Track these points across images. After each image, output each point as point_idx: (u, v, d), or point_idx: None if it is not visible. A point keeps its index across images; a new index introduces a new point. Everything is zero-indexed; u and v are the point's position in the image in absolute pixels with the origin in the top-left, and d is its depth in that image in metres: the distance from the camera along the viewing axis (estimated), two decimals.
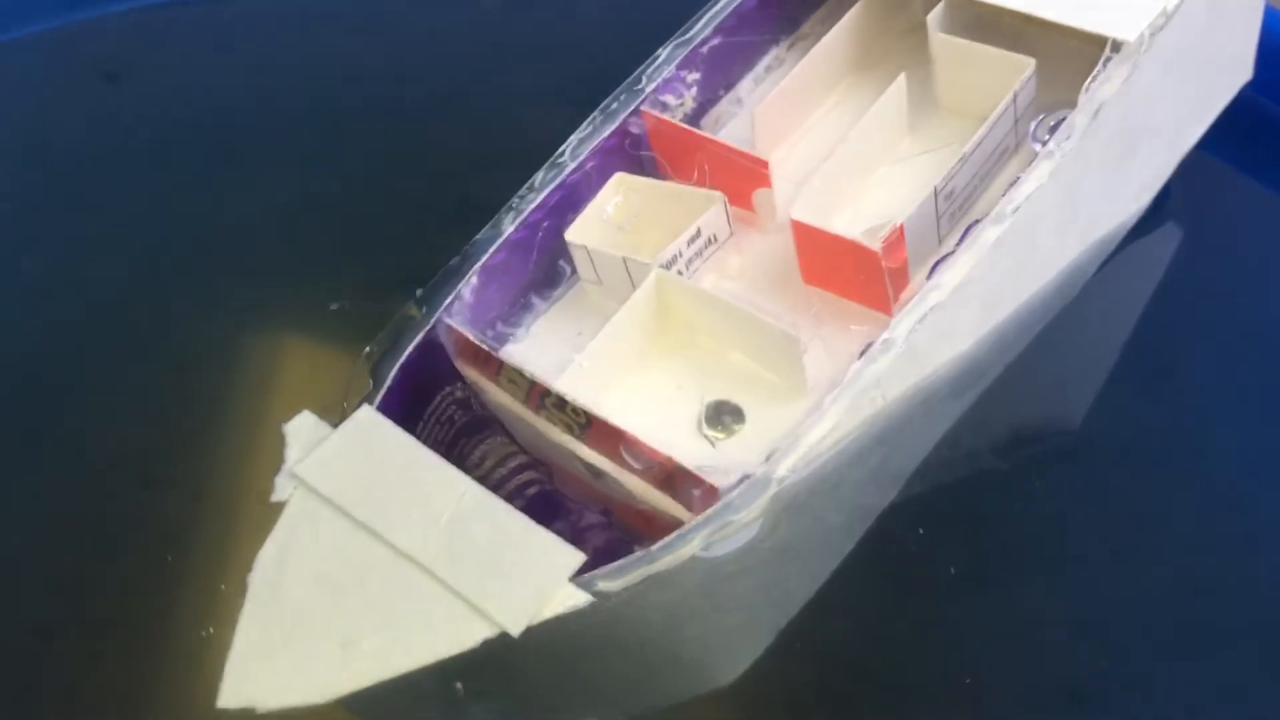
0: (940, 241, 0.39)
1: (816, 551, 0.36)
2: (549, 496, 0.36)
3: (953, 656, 0.38)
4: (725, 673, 0.36)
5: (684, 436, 0.36)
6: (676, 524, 0.33)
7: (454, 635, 0.30)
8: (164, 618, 0.39)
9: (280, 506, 0.33)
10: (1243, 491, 0.42)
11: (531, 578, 0.31)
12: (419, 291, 0.39)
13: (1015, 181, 0.36)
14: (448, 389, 0.37)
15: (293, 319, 0.47)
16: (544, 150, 0.41)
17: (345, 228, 0.50)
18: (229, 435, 0.43)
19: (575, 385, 0.36)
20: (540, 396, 0.36)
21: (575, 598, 0.30)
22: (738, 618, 0.34)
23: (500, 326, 0.40)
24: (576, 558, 0.31)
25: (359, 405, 0.35)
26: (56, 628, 0.41)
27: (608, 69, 0.43)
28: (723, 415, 0.37)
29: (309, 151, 0.54)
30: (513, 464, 0.37)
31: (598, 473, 0.36)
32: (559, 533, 0.32)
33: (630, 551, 0.34)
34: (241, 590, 0.32)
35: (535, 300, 0.41)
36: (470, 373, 0.38)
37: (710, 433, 0.36)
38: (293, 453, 0.34)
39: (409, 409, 0.36)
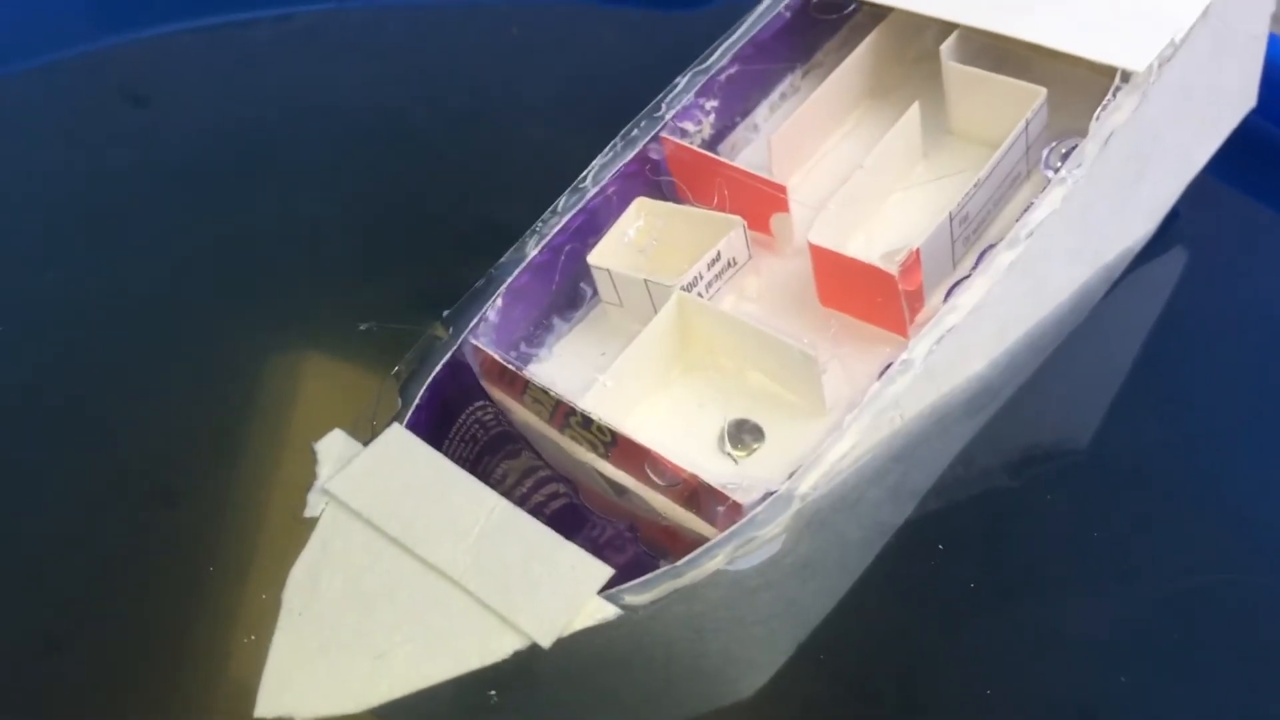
0: (955, 265, 0.39)
1: (835, 567, 0.37)
2: (573, 510, 0.37)
3: (967, 671, 0.39)
4: (745, 685, 0.37)
5: (706, 454, 0.37)
6: (700, 540, 0.34)
7: (484, 647, 0.31)
8: (192, 625, 0.40)
9: (313, 522, 0.34)
10: (1252, 512, 0.42)
11: (561, 591, 0.31)
12: (445, 313, 0.40)
13: (1029, 207, 0.37)
14: (472, 407, 0.38)
15: (318, 336, 0.48)
16: (561, 172, 0.42)
17: (368, 247, 0.51)
18: (253, 450, 0.44)
19: (600, 404, 0.37)
20: (565, 415, 0.37)
21: (604, 610, 0.31)
22: (759, 631, 0.35)
23: (524, 347, 0.41)
24: (605, 571, 0.32)
25: (389, 424, 0.36)
26: (71, 638, 0.42)
27: (626, 92, 0.44)
28: (743, 433, 0.38)
29: (332, 172, 0.55)
30: (536, 478, 0.38)
31: (621, 490, 0.37)
32: (583, 546, 0.33)
33: (654, 565, 0.35)
34: (276, 604, 0.32)
35: (557, 321, 0.42)
36: (496, 392, 0.39)
37: (732, 451, 0.37)
38: (324, 470, 0.35)
39: (436, 427, 0.37)
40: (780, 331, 0.38)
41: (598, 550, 0.34)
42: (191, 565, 0.41)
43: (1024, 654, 0.40)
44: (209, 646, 0.40)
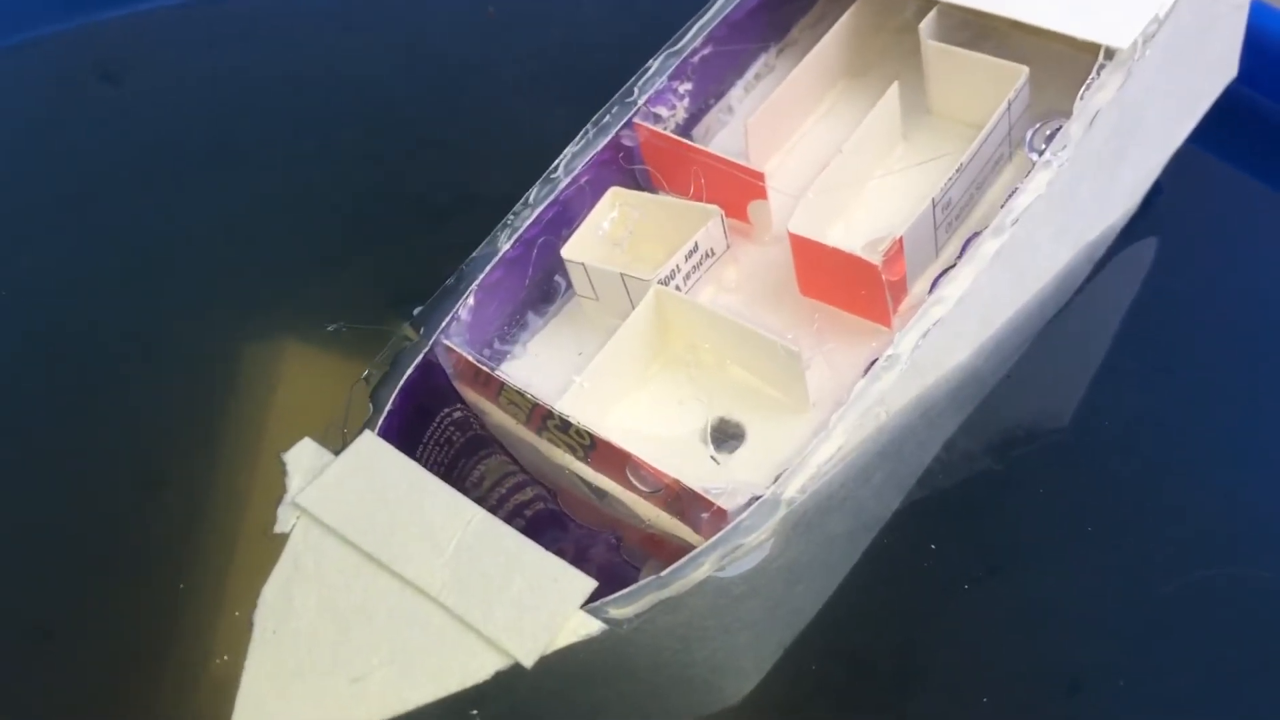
0: (938, 252, 0.38)
1: (822, 568, 0.36)
2: (552, 517, 0.36)
3: (959, 660, 0.38)
4: (732, 692, 0.36)
5: (688, 455, 0.36)
6: (685, 546, 0.33)
7: (465, 667, 0.30)
8: (166, 647, 0.39)
9: (283, 539, 0.33)
10: (1237, 483, 0.42)
11: (543, 606, 0.30)
12: (416, 311, 0.39)
13: (1013, 192, 0.36)
14: (446, 411, 0.37)
15: (297, 319, 0.46)
16: (542, 146, 0.41)
17: (347, 225, 0.50)
18: (229, 441, 0.43)
19: (577, 406, 0.36)
20: (542, 418, 0.36)
21: (588, 626, 0.30)
22: (746, 637, 0.34)
23: (498, 344, 0.40)
24: (587, 584, 0.31)
25: (360, 431, 0.35)
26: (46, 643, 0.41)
27: (606, 65, 0.43)
28: (725, 432, 0.37)
29: (307, 149, 0.53)
30: (512, 483, 0.37)
31: (602, 494, 0.36)
32: (562, 552, 0.32)
33: (633, 568, 0.34)
34: (248, 624, 0.31)
35: (532, 317, 0.41)
36: (470, 394, 0.38)
37: (714, 452, 0.36)
38: (294, 482, 0.34)
39: (410, 432, 0.36)
40: (761, 326, 0.37)
41: (578, 559, 0.33)
42: (165, 565, 0.41)
43: (1014, 629, 0.39)
44: (180, 670, 0.39)
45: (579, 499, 0.37)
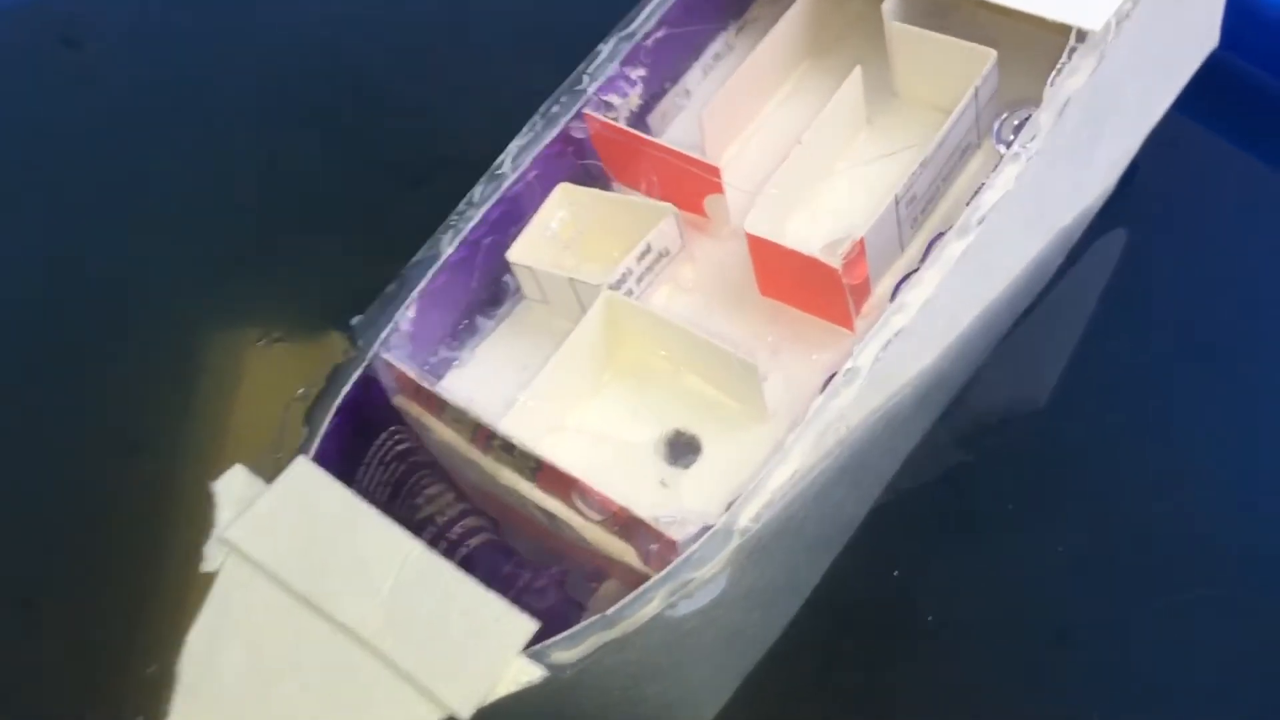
0: (903, 248, 0.36)
1: (783, 591, 0.35)
2: (494, 547, 0.34)
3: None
4: None
5: (642, 473, 0.34)
6: (637, 573, 0.31)
7: None
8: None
9: (211, 577, 0.31)
10: (1216, 443, 0.41)
11: (482, 651, 0.29)
12: (354, 320, 0.37)
13: (980, 188, 0.34)
14: (387, 433, 0.35)
15: (263, 293, 0.44)
16: (517, 107, 0.39)
17: (316, 192, 0.48)
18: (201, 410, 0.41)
19: (522, 424, 0.34)
20: (486, 438, 0.34)
21: (528, 672, 0.29)
22: (701, 670, 0.33)
23: (444, 351, 0.38)
24: (529, 626, 0.29)
25: (294, 457, 0.33)
26: None
27: (581, 22, 0.41)
28: (681, 445, 0.35)
29: (273, 112, 0.51)
30: (454, 512, 0.35)
31: (552, 516, 0.34)
32: (507, 581, 0.30)
33: (578, 605, 0.32)
34: (171, 677, 0.30)
35: (480, 321, 0.39)
36: (413, 409, 0.36)
37: (667, 471, 0.34)
38: (224, 514, 0.32)
39: (347, 456, 0.34)
40: (718, 335, 0.35)
41: (521, 595, 0.31)
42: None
43: (1000, 585, 0.38)
44: (158, 633, 0.37)
45: (527, 518, 0.35)
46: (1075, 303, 0.44)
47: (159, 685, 0.30)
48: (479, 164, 0.38)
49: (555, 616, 0.30)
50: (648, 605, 0.29)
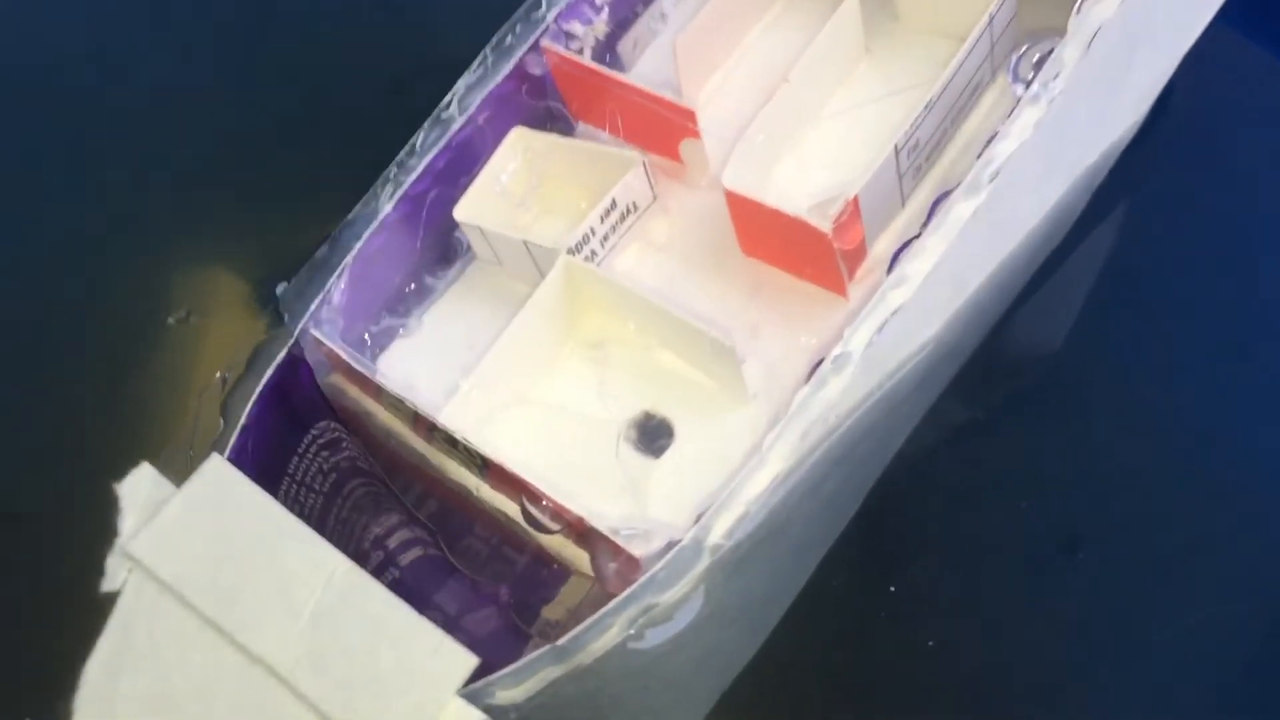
0: (904, 203, 0.32)
1: (762, 604, 0.31)
2: (433, 563, 0.30)
3: None
4: None
5: (604, 465, 0.30)
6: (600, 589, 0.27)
7: None
8: None
9: (113, 598, 0.27)
10: (1235, 355, 0.37)
11: (413, 690, 0.25)
12: (281, 287, 0.32)
13: (993, 137, 0.29)
14: (318, 425, 0.31)
15: (174, 248, 0.40)
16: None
17: (294, 100, 0.43)
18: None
19: (468, 412, 0.30)
20: (429, 428, 0.30)
21: (467, 718, 0.25)
22: (670, 696, 0.29)
23: (387, 319, 0.34)
24: (468, 661, 0.25)
25: (208, 453, 0.29)
26: None
27: None
28: (650, 430, 0.31)
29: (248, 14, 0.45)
30: (390, 522, 0.31)
31: (507, 516, 0.30)
32: (447, 608, 0.27)
33: (525, 634, 0.28)
34: (67, 713, 0.26)
35: (429, 281, 0.35)
36: (349, 392, 0.32)
37: (634, 456, 0.30)
38: (128, 522, 0.28)
39: (273, 450, 0.30)
40: (693, 304, 0.30)
41: (462, 614, 0.27)
42: None
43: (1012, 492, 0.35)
44: None
45: (482, 510, 0.31)
46: (1100, 247, 0.39)
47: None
48: (464, 67, 0.33)
49: (502, 644, 0.26)
50: (605, 634, 0.26)
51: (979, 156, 0.29)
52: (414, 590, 0.27)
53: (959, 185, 0.29)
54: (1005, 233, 0.32)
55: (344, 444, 0.31)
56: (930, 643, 0.32)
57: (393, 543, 0.30)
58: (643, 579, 0.26)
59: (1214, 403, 0.36)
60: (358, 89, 0.43)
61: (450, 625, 0.26)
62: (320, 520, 0.29)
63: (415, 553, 0.30)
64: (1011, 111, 0.29)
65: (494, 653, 0.26)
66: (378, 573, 0.27)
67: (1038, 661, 0.33)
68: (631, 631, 0.26)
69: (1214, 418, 0.36)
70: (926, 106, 0.30)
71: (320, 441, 0.31)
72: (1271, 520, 0.34)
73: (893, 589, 0.33)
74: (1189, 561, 0.34)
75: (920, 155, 0.31)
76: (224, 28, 0.46)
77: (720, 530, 0.26)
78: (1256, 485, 0.35)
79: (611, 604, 0.26)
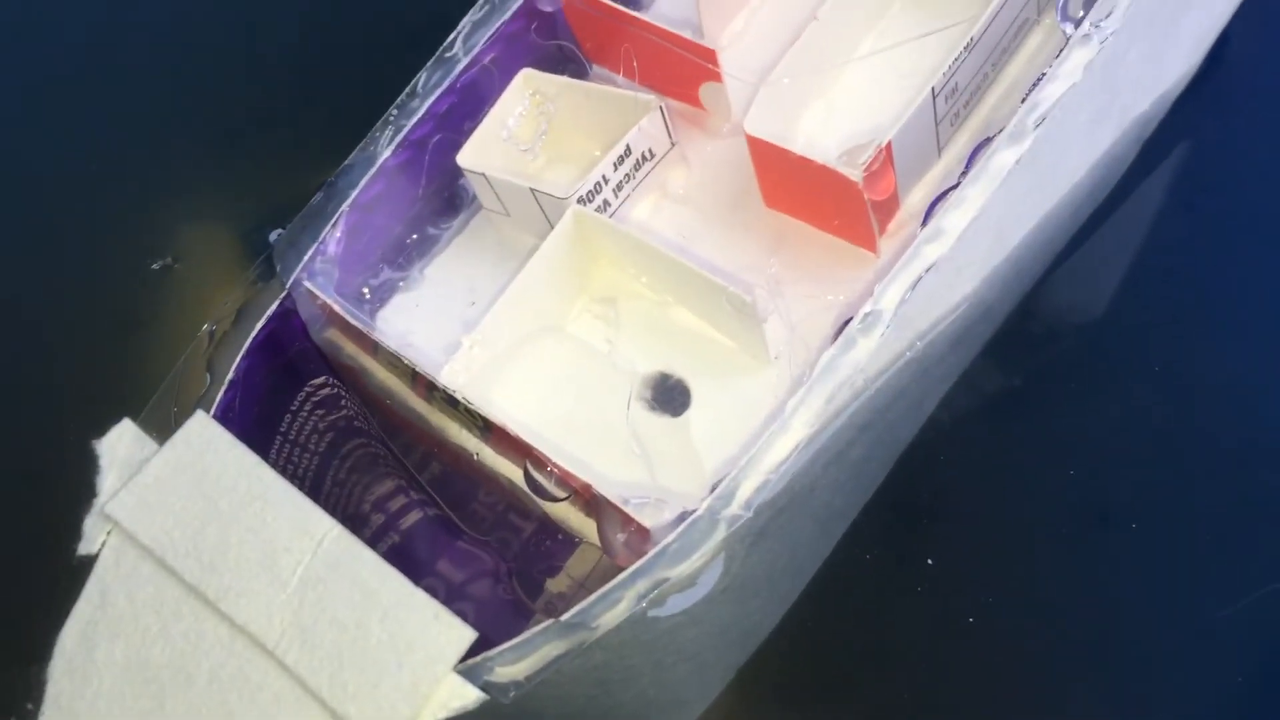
0: (940, 153, 0.30)
1: (783, 575, 0.29)
2: (432, 526, 0.28)
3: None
4: None
5: (614, 432, 0.28)
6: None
7: None
8: None
9: (90, 562, 0.26)
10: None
11: (407, 665, 0.23)
12: (274, 235, 0.31)
13: (1039, 80, 0.27)
14: (313, 383, 0.29)
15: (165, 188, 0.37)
16: None
17: (292, 57, 0.41)
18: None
19: (470, 371, 0.28)
20: (428, 387, 0.28)
21: (462, 695, 0.23)
22: (684, 669, 0.28)
23: (387, 272, 0.32)
24: (465, 635, 0.24)
25: (193, 411, 0.27)
26: None
27: None
28: (666, 392, 0.29)
29: None
30: (391, 484, 0.29)
31: (511, 482, 0.28)
32: (446, 575, 0.25)
33: (536, 599, 0.27)
34: (40, 682, 0.25)
35: (430, 231, 0.33)
36: (346, 348, 0.30)
37: (649, 418, 0.28)
38: (107, 480, 0.27)
39: (264, 408, 0.29)
40: (712, 259, 0.28)
41: (468, 581, 0.26)
42: None
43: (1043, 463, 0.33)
44: None
45: (486, 475, 0.29)
46: (1147, 204, 0.37)
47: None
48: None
49: (501, 607, 0.25)
50: (613, 609, 0.24)
51: (1023, 101, 0.27)
52: (416, 555, 0.25)
53: (1001, 132, 0.27)
54: (1049, 185, 0.30)
55: (342, 401, 0.29)
56: (970, 619, 0.30)
57: (394, 505, 0.29)
58: (653, 551, 0.24)
59: (1260, 373, 0.34)
60: (357, 27, 0.41)
61: (453, 592, 0.24)
62: (315, 482, 0.27)
63: (416, 515, 0.28)
64: (1060, 53, 0.27)
65: (499, 621, 0.24)
66: (378, 536, 0.26)
67: (1078, 638, 0.31)
68: (643, 605, 0.24)
69: (1259, 389, 0.34)
70: (967, 47, 0.28)
71: (315, 399, 0.29)
72: None
73: (930, 561, 0.31)
74: (1230, 534, 0.32)
75: (959, 100, 0.29)
76: None
77: (739, 500, 0.24)
78: None
79: (619, 577, 0.24)
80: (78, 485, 0.27)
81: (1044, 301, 0.34)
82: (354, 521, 0.25)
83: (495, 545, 0.28)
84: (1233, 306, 0.35)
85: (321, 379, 0.29)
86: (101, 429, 0.27)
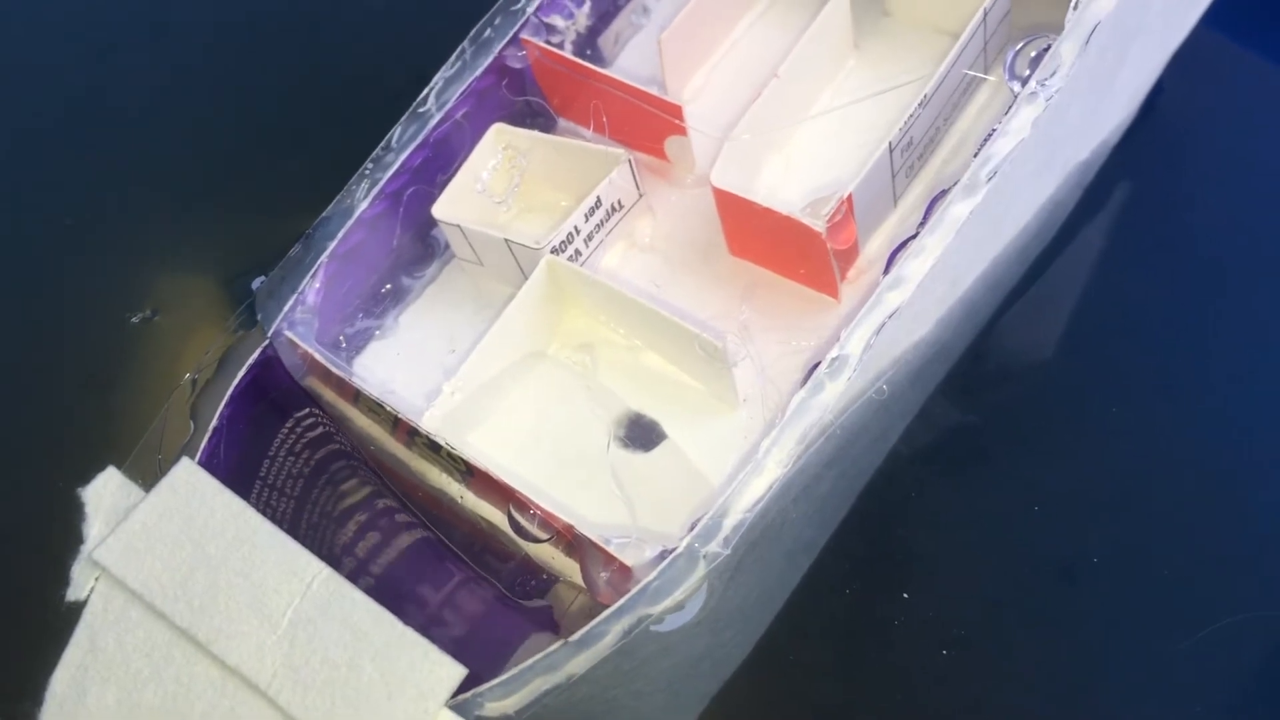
0: (896, 202, 0.31)
1: (755, 606, 0.30)
2: (421, 552, 0.29)
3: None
4: None
5: (591, 474, 0.29)
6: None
7: None
8: None
9: (79, 608, 0.26)
10: (1247, 385, 0.36)
11: (399, 703, 0.24)
12: (256, 283, 0.31)
13: (989, 135, 0.29)
14: (296, 417, 0.30)
15: (144, 243, 0.38)
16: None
17: (278, 109, 0.41)
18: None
19: (449, 416, 0.29)
20: (409, 432, 0.29)
21: None
22: (662, 698, 0.28)
23: (362, 320, 0.33)
24: (454, 672, 0.24)
25: (177, 458, 0.28)
26: None
27: None
28: (640, 434, 0.30)
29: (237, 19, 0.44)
30: (375, 509, 0.30)
31: (491, 525, 0.29)
32: (431, 604, 0.26)
33: (526, 625, 0.28)
34: None
35: (405, 281, 0.33)
36: (326, 394, 0.31)
37: (622, 460, 0.29)
38: (94, 528, 0.27)
39: (246, 453, 0.29)
40: (681, 305, 0.30)
41: (454, 613, 0.26)
42: None
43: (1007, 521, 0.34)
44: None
45: (467, 520, 0.30)
46: (1090, 244, 0.39)
47: None
48: None
49: (488, 642, 0.25)
50: (599, 644, 0.25)
51: (975, 155, 0.29)
52: (406, 582, 0.26)
53: (956, 184, 0.28)
54: (999, 230, 0.32)
55: (328, 431, 0.30)
56: (944, 651, 0.31)
57: (377, 531, 0.29)
58: (636, 589, 0.25)
59: (1203, 402, 0.36)
60: (334, 83, 0.42)
61: (441, 614, 0.25)
62: (294, 521, 0.27)
63: (404, 540, 0.29)
64: (1009, 110, 0.29)
65: (491, 640, 0.25)
66: (368, 559, 0.26)
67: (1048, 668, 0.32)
68: (626, 641, 0.25)
69: (1206, 418, 0.35)
70: (921, 103, 0.29)
71: (301, 430, 0.30)
72: (1273, 519, 0.33)
73: (906, 596, 0.32)
74: (1191, 568, 0.33)
75: (913, 153, 0.31)
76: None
77: (719, 538, 0.25)
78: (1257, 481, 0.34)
79: (604, 614, 0.25)
80: (64, 533, 0.27)
81: (996, 341, 0.36)
82: (336, 551, 0.26)
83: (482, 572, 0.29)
84: (1171, 339, 0.37)
85: (304, 410, 0.30)
86: (86, 477, 0.28)
